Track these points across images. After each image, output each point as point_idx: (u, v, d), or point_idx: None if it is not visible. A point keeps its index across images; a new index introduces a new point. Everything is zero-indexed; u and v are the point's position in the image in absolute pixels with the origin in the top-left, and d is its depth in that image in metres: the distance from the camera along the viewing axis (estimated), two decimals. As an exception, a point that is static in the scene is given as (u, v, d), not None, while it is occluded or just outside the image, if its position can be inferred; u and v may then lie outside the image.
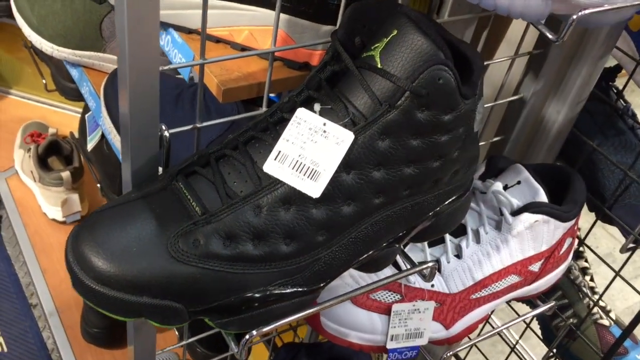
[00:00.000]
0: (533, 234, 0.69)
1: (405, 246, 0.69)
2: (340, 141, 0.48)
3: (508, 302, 0.83)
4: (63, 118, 1.55)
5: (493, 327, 0.82)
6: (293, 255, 0.49)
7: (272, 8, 0.55)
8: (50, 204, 1.34)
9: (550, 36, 0.45)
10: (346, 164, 0.48)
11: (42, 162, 1.34)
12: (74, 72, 0.89)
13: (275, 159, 0.48)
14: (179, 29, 0.58)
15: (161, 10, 0.56)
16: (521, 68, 0.73)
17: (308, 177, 0.47)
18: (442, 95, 0.48)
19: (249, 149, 0.50)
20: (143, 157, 0.50)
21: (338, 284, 0.66)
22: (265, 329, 0.50)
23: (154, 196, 0.49)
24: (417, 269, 0.58)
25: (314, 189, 0.47)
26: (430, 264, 0.58)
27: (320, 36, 0.56)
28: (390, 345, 0.66)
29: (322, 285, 0.51)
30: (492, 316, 1.01)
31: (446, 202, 0.56)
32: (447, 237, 0.69)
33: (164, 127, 0.50)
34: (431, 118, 0.48)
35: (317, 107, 0.49)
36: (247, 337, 0.50)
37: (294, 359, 0.77)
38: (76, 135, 1.23)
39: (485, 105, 0.74)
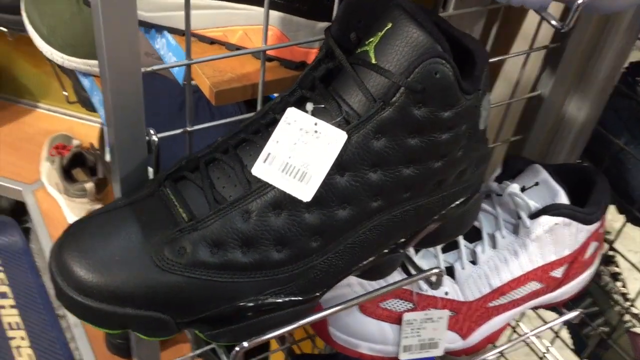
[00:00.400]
0: (553, 238, 0.65)
1: (417, 252, 0.66)
2: (333, 141, 0.45)
3: (535, 310, 0.79)
4: (89, 130, 1.55)
5: (520, 335, 0.78)
6: (285, 263, 0.46)
7: (269, 7, 0.53)
8: (75, 215, 1.34)
9: (555, 24, 0.42)
10: (340, 166, 0.45)
11: (67, 173, 1.35)
12: (86, 82, 0.89)
13: (264, 162, 0.45)
14: (173, 31, 0.56)
15: (155, 13, 0.55)
16: (538, 63, 0.69)
17: (298, 179, 0.45)
18: (440, 91, 0.45)
19: (240, 152, 0.48)
20: (131, 162, 0.48)
21: (346, 292, 0.63)
22: (258, 340, 0.47)
23: (140, 203, 0.47)
24: (422, 275, 0.55)
25: (305, 193, 0.45)
26: (435, 270, 0.54)
27: (316, 34, 0.54)
28: (403, 356, 0.63)
29: (318, 294, 0.48)
30: (520, 324, 0.97)
31: (453, 205, 0.53)
32: (462, 242, 0.65)
33: (152, 132, 0.49)
34: (429, 115, 0.45)
35: (309, 106, 0.47)
36: (237, 348, 0.47)
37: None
38: (96, 146, 1.23)
39: (501, 103, 0.71)
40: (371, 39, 0.46)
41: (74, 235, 0.45)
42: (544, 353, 0.99)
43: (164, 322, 0.45)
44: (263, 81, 0.51)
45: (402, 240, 0.51)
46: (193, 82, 0.69)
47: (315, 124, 0.46)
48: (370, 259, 0.50)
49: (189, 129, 0.51)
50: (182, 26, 0.56)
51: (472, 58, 0.49)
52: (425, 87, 0.44)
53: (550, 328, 0.81)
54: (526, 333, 0.77)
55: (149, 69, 0.46)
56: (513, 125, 0.74)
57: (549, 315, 0.91)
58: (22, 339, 1.32)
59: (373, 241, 0.49)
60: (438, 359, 0.68)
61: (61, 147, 1.44)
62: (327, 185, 0.45)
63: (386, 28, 0.46)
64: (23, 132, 1.54)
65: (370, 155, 0.46)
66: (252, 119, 0.49)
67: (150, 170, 0.50)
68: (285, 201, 0.45)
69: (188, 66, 0.48)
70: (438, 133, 0.47)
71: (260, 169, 0.45)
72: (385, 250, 0.51)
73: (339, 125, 0.46)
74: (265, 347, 0.90)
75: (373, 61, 0.46)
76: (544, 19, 0.43)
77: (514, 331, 0.97)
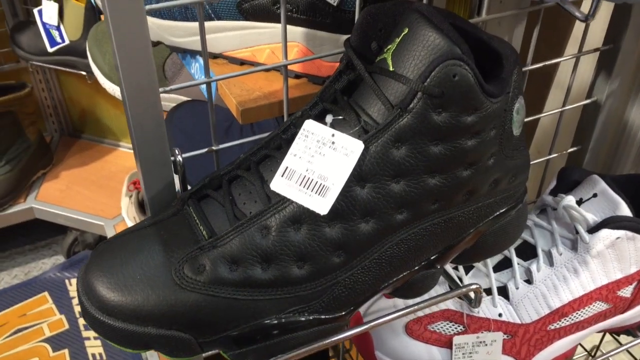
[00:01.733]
0: (617, 254, 0.60)
1: (468, 272, 0.62)
2: (350, 152, 0.44)
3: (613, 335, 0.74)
4: (167, 166, 1.60)
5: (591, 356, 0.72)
6: (307, 279, 0.45)
7: (291, 23, 0.53)
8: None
9: (578, 15, 0.39)
10: (359, 177, 0.44)
11: (142, 207, 1.39)
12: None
13: (282, 176, 0.44)
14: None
15: (185, 38, 0.56)
16: (592, 68, 0.65)
17: (316, 193, 0.44)
18: (460, 94, 0.43)
19: (261, 168, 0.47)
20: (157, 182, 0.49)
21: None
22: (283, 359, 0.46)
23: (164, 222, 0.47)
24: (458, 291, 0.52)
25: (322, 206, 0.43)
26: (474, 286, 0.51)
27: (341, 46, 0.53)
28: (454, 382, 0.60)
29: (343, 313, 0.46)
30: (601, 349, 0.90)
31: (490, 218, 0.50)
32: (515, 260, 0.61)
33: (177, 152, 0.49)
34: (450, 120, 0.43)
35: (328, 118, 0.46)
36: (259, 369, 0.46)
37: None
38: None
39: (554, 111, 0.67)
40: (389, 46, 0.45)
41: (99, 256, 0.46)
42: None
43: (186, 342, 0.44)
44: (287, 97, 0.51)
45: (435, 255, 0.49)
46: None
47: (333, 135, 0.44)
48: (401, 275, 0.48)
49: (214, 148, 0.51)
50: (212, 49, 0.56)
51: (500, 60, 0.46)
52: (444, 91, 0.42)
53: (630, 353, 0.75)
54: (600, 356, 0.71)
55: (167, 88, 0.46)
56: (570, 136, 0.70)
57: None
58: (104, 368, 1.36)
59: (402, 256, 0.47)
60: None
61: (138, 183, 1.49)
62: (348, 197, 0.44)
63: (403, 34, 0.44)
64: (106, 170, 1.62)
65: (390, 165, 0.44)
66: (273, 134, 0.48)
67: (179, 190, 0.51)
68: (305, 215, 0.44)
69: (208, 84, 0.48)
70: (463, 139, 0.44)
71: (279, 184, 0.44)
72: (417, 267, 0.48)
73: (357, 136, 0.44)
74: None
75: (391, 68, 0.44)
76: (565, 10, 0.40)
77: (591, 356, 0.90)
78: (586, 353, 0.96)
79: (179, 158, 0.49)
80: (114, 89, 0.89)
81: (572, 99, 0.65)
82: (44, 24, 1.36)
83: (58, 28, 1.36)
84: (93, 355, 1.39)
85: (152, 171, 0.48)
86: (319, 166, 0.44)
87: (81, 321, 1.46)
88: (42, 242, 1.66)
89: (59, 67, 1.42)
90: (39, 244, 1.66)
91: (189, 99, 0.84)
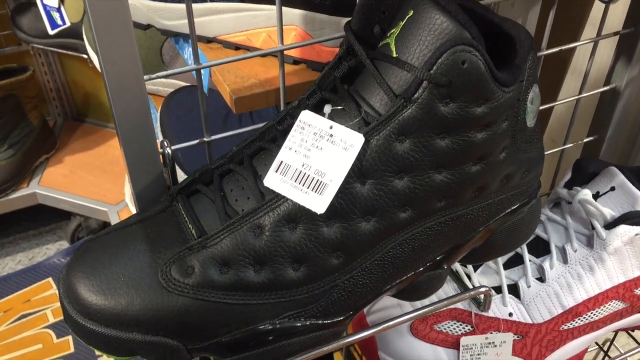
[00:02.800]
0: (635, 251, 0.57)
1: (476, 269, 0.59)
2: (349, 146, 0.40)
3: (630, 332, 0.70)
4: (171, 151, 1.58)
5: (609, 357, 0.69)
6: (303, 282, 0.42)
7: (288, 5, 0.49)
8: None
9: (600, -4, 0.36)
10: (359, 173, 0.40)
11: (146, 194, 1.37)
12: (145, 101, 0.89)
13: (276, 171, 0.41)
14: (198, 38, 0.54)
15: (176, 21, 0.53)
16: (610, 53, 0.61)
17: (312, 189, 0.40)
18: (469, 83, 0.39)
19: (255, 162, 0.44)
20: (144, 177, 0.46)
21: (395, 313, 0.57)
22: (278, 368, 0.43)
23: (151, 220, 0.44)
24: (466, 294, 0.48)
25: (319, 204, 0.40)
26: (483, 289, 0.48)
27: (341, 30, 0.49)
28: (461, 385, 0.57)
29: (342, 317, 0.43)
30: (615, 344, 0.87)
31: (501, 215, 0.46)
32: (527, 256, 0.58)
33: (166, 144, 0.46)
34: (459, 111, 0.40)
35: (327, 109, 0.43)
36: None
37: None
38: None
39: (570, 99, 0.63)
40: (393, 30, 0.41)
41: (81, 255, 0.43)
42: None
43: (173, 348, 0.41)
44: (284, 84, 0.48)
45: (441, 255, 0.46)
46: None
47: (331, 128, 0.41)
48: (404, 277, 0.45)
49: (206, 139, 0.48)
50: (205, 33, 0.53)
51: (513, 45, 0.43)
52: (452, 79, 0.39)
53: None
54: (618, 355, 0.67)
55: (153, 75, 0.43)
56: (587, 125, 0.66)
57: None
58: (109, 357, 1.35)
59: (405, 257, 0.44)
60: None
61: (142, 168, 1.46)
62: (347, 195, 0.41)
63: (407, 16, 0.41)
64: (110, 155, 1.59)
65: (393, 160, 0.40)
66: (268, 125, 0.45)
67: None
68: (301, 214, 0.41)
69: (198, 71, 0.45)
70: (472, 132, 0.41)
71: (273, 180, 0.41)
72: (422, 267, 0.45)
73: (357, 128, 0.41)
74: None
75: (394, 54, 0.41)
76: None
77: (607, 355, 0.87)
78: (598, 347, 0.92)
79: (168, 150, 0.46)
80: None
81: (590, 85, 0.61)
82: (44, 6, 1.33)
83: (59, 10, 1.32)
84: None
85: (138, 164, 0.45)
86: (316, 161, 0.41)
87: (85, 307, 1.45)
88: (46, 227, 1.64)
89: (60, 50, 1.39)
90: (43, 230, 1.64)
91: (187, 84, 0.81)
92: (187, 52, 0.56)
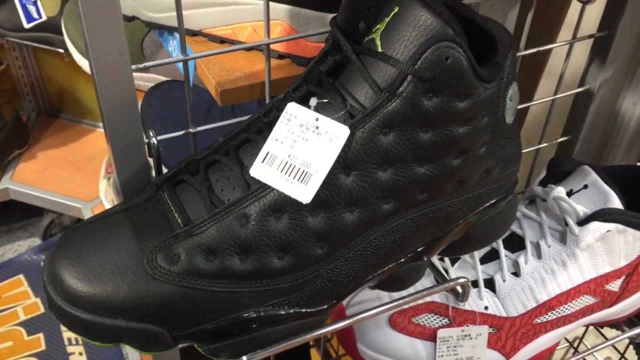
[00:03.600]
0: (607, 247, 0.59)
1: (454, 263, 0.60)
2: (334, 138, 0.41)
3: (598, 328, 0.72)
4: (146, 148, 1.57)
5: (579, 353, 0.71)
6: (288, 271, 0.42)
7: (275, 0, 0.50)
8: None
9: (579, -3, 0.37)
10: (344, 164, 0.41)
11: (121, 191, 1.36)
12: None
13: (262, 162, 0.42)
14: (183, 32, 0.54)
15: (162, 14, 0.53)
16: (585, 55, 0.63)
17: (298, 180, 0.41)
18: (452, 78, 0.40)
19: (241, 153, 0.45)
20: (130, 167, 0.46)
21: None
22: (260, 355, 0.44)
23: (137, 208, 0.44)
24: (446, 285, 0.50)
25: (304, 194, 0.41)
26: (461, 280, 0.49)
27: (326, 26, 0.50)
28: (438, 377, 0.58)
29: (325, 306, 0.44)
30: (584, 342, 0.89)
31: (480, 209, 0.48)
32: (503, 252, 0.60)
33: (152, 134, 0.46)
34: (442, 106, 0.41)
35: (313, 101, 0.43)
36: (234, 363, 0.44)
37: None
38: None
39: (545, 100, 0.65)
40: (378, 26, 0.43)
41: (66, 243, 0.43)
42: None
43: (158, 335, 0.42)
44: (269, 77, 0.48)
45: (422, 247, 0.47)
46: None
47: (317, 120, 0.42)
48: (386, 267, 0.46)
49: (191, 130, 0.48)
50: (191, 26, 0.54)
51: (494, 43, 0.44)
52: (435, 74, 0.40)
53: (615, 347, 0.74)
54: (585, 351, 0.69)
55: (140, 65, 0.43)
56: (561, 125, 0.68)
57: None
58: (80, 354, 1.34)
59: (387, 248, 0.45)
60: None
61: (116, 165, 1.45)
62: (332, 186, 0.41)
63: (393, 12, 0.42)
64: (84, 152, 1.57)
65: (378, 152, 0.41)
66: (254, 117, 0.46)
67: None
68: (286, 204, 0.41)
69: (185, 62, 0.45)
70: (454, 126, 0.42)
71: (258, 170, 0.42)
72: (403, 259, 0.46)
73: (343, 121, 0.42)
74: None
75: (379, 49, 0.42)
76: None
77: (576, 350, 0.89)
78: (568, 344, 0.95)
79: (154, 140, 0.46)
80: (88, 66, 0.86)
81: (564, 87, 0.63)
82: (20, -1, 1.32)
83: (35, 3, 1.31)
84: (69, 339, 1.37)
85: (124, 154, 0.45)
86: (301, 152, 0.42)
87: (57, 305, 1.43)
88: (18, 223, 1.62)
89: (35, 44, 1.37)
90: (15, 226, 1.62)
91: (167, 79, 0.81)
92: (172, 45, 0.56)
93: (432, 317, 0.58)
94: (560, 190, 0.59)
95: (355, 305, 0.59)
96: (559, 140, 0.67)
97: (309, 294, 0.43)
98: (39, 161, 1.54)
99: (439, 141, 0.42)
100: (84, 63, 0.85)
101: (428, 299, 0.58)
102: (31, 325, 1.39)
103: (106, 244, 0.42)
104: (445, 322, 0.58)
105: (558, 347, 1.01)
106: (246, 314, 0.42)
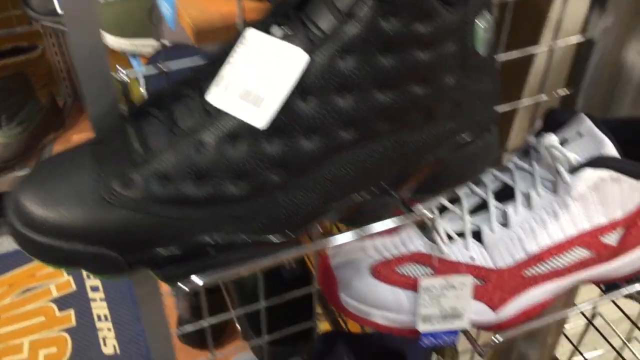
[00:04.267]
0: (600, 197, 0.56)
1: (442, 213, 0.59)
2: (292, 63, 0.41)
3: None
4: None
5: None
6: (244, 198, 0.42)
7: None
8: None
9: None
10: (302, 90, 0.41)
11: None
12: (134, 63, 0.90)
13: (218, 87, 0.42)
14: (164, -23, 0.55)
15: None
16: (586, 4, 0.60)
17: (254, 105, 0.41)
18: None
19: (203, 83, 0.44)
20: (100, 102, 0.47)
21: (360, 257, 0.58)
22: (215, 277, 0.43)
23: (102, 141, 0.45)
24: (410, 215, 0.48)
25: (260, 119, 0.41)
26: (424, 211, 0.48)
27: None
28: (422, 327, 0.57)
29: (283, 237, 0.44)
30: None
31: (449, 144, 0.46)
32: (492, 202, 0.58)
33: (123, 71, 0.47)
34: (402, 29, 0.40)
35: (275, 30, 0.43)
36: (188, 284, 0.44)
37: (331, 351, 0.69)
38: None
39: (543, 50, 0.63)
40: (339, -48, 0.42)
41: (32, 174, 0.44)
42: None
43: (112, 260, 0.42)
44: (242, 16, 0.48)
45: (391, 181, 0.46)
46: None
47: (275, 45, 0.41)
48: (346, 197, 0.45)
49: (164, 69, 0.49)
50: (170, -30, 0.54)
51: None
52: None
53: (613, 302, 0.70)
54: (581, 304, 0.66)
55: (103, -5, 0.44)
56: (563, 78, 0.65)
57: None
58: (109, 330, 1.37)
59: (349, 178, 0.44)
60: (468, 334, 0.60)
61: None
62: (289, 111, 0.41)
63: None
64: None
65: (336, 77, 0.41)
66: (219, 50, 0.45)
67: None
68: (243, 130, 0.41)
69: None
70: (415, 51, 0.41)
71: (215, 96, 0.42)
72: (366, 192, 0.45)
73: (303, 47, 0.41)
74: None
75: (341, -27, 0.41)
76: None
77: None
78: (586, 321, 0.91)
79: (125, 78, 0.47)
80: (114, 42, 0.87)
81: (562, 36, 0.61)
82: (52, -17, 1.35)
83: (66, -13, 1.34)
84: (98, 316, 1.40)
85: (94, 89, 0.46)
86: (258, 77, 0.41)
87: (88, 283, 1.47)
88: (54, 204, 1.67)
89: (68, 28, 1.41)
90: (51, 207, 1.66)
91: (165, 42, 0.82)
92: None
93: (416, 267, 0.57)
94: (553, 139, 0.57)
95: (339, 255, 0.58)
96: (558, 91, 0.65)
97: (267, 223, 0.43)
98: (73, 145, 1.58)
99: (399, 66, 0.41)
100: (109, 39, 0.87)
101: (413, 248, 0.57)
102: (63, 302, 1.43)
103: (66, 171, 0.43)
104: (430, 272, 0.57)
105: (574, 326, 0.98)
106: (201, 240, 0.42)
